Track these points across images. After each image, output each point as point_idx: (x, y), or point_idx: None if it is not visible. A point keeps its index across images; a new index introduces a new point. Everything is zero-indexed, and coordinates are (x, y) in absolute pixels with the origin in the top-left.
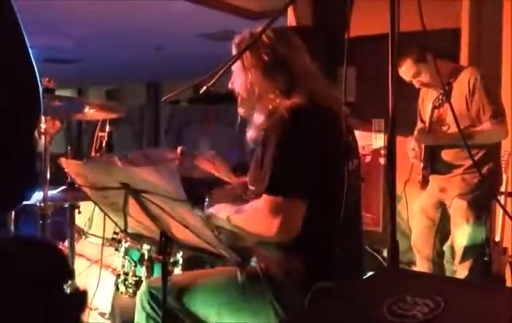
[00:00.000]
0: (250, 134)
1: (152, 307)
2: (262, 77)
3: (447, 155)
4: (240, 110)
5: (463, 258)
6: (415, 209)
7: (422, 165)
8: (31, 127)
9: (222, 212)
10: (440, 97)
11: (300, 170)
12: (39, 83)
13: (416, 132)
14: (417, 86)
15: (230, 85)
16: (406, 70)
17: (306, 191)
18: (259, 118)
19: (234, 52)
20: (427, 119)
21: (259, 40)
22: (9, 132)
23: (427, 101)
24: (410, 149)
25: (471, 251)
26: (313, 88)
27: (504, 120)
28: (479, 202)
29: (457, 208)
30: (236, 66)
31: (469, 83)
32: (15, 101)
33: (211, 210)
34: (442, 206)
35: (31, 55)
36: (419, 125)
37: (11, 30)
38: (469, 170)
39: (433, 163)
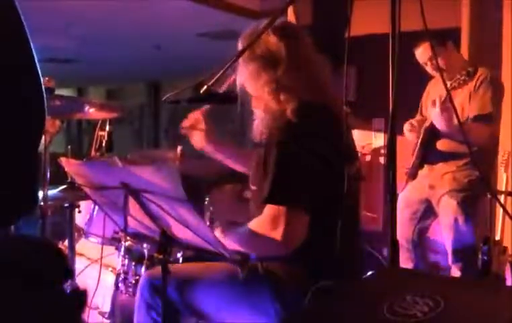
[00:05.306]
0: (255, 129)
1: (152, 298)
2: (265, 69)
3: (442, 145)
4: (244, 108)
5: (455, 258)
6: (398, 200)
7: (414, 159)
8: (36, 137)
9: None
10: (460, 77)
11: (304, 178)
12: (43, 91)
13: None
14: (430, 70)
15: (237, 82)
16: (423, 51)
17: (310, 199)
18: (261, 113)
19: (240, 47)
20: (427, 114)
21: (259, 39)
22: (12, 143)
23: (432, 95)
24: (409, 123)
25: (462, 251)
26: (318, 85)
27: (484, 125)
28: (469, 202)
29: (447, 207)
30: (239, 61)
31: (477, 79)
32: (20, 112)
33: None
34: (427, 203)
35: (36, 62)
36: (418, 118)
37: (16, 34)
38: (461, 168)
39: (426, 153)
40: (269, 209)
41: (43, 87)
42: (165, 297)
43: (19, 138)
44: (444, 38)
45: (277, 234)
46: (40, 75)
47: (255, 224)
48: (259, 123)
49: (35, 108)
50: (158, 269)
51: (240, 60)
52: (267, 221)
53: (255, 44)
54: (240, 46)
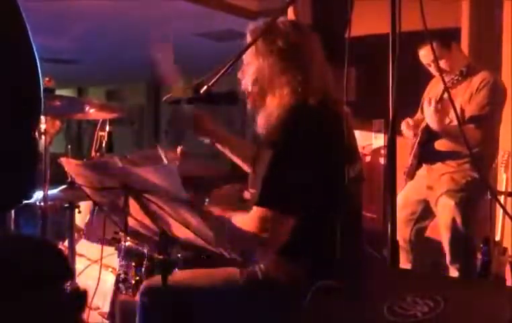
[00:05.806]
0: (260, 128)
1: (152, 306)
2: (275, 64)
3: (440, 145)
4: (249, 103)
5: (453, 258)
6: (397, 200)
7: (412, 159)
8: (32, 129)
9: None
10: (454, 77)
11: (296, 182)
12: (41, 86)
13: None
14: (434, 71)
15: (239, 75)
16: (427, 52)
17: (299, 204)
18: (269, 111)
19: (248, 38)
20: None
21: (258, 40)
22: (10, 134)
23: (431, 94)
24: (405, 122)
25: (460, 251)
26: (323, 84)
27: (476, 128)
28: (467, 202)
29: (444, 207)
30: (248, 54)
31: (481, 83)
32: (17, 104)
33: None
34: (425, 203)
35: (37, 59)
36: (418, 115)
37: (18, 33)
38: (459, 169)
39: (424, 153)
40: (258, 210)
41: (42, 87)
42: (164, 304)
43: (18, 135)
44: (448, 39)
45: (263, 238)
46: (40, 76)
47: (244, 221)
48: (264, 122)
49: (33, 106)
50: (158, 277)
51: (251, 56)
52: (255, 222)
53: (256, 42)
54: (248, 38)
